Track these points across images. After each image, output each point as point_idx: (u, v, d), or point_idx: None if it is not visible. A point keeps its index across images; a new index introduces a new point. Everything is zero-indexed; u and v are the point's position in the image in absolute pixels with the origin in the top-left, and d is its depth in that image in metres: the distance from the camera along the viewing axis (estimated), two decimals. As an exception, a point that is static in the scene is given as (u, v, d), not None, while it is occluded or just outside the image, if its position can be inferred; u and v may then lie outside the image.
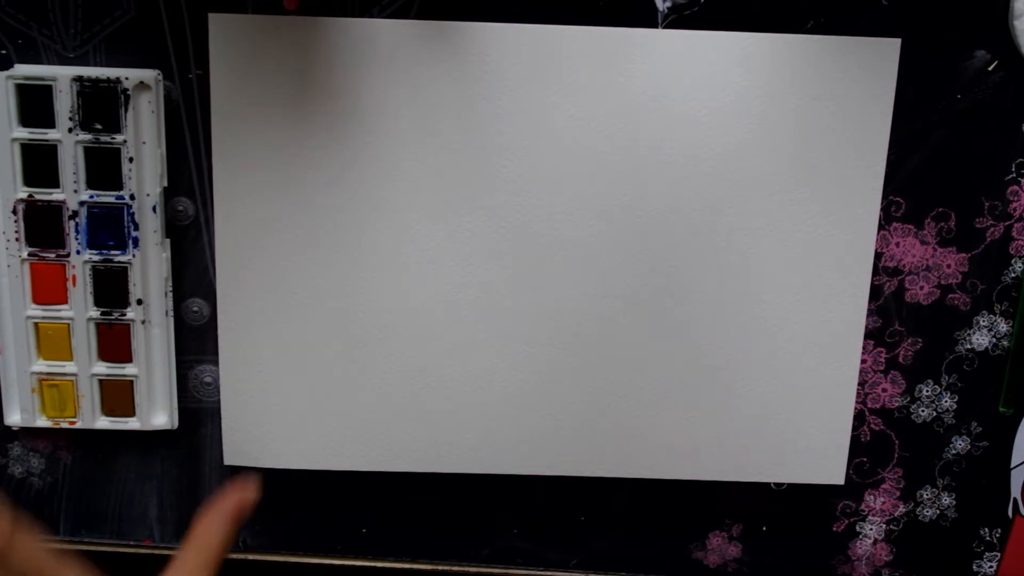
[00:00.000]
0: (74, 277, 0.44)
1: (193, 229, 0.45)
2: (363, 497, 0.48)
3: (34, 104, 0.42)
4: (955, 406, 0.47)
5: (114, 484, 0.48)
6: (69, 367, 0.45)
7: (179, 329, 0.46)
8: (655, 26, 0.43)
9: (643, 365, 0.46)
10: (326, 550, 0.49)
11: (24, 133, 0.42)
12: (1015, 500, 0.48)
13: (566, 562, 0.49)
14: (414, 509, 0.49)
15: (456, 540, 0.49)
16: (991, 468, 0.47)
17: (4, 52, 0.43)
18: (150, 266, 0.44)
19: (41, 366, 0.45)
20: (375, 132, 0.44)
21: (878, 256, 0.45)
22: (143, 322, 0.44)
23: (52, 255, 0.44)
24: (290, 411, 0.47)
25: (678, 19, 0.43)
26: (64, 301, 0.44)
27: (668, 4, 0.43)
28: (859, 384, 0.46)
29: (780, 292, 0.45)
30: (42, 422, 0.45)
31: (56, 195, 0.43)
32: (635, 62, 0.43)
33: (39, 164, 0.43)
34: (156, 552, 0.48)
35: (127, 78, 0.42)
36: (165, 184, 0.44)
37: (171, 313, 0.45)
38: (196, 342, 0.46)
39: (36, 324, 0.44)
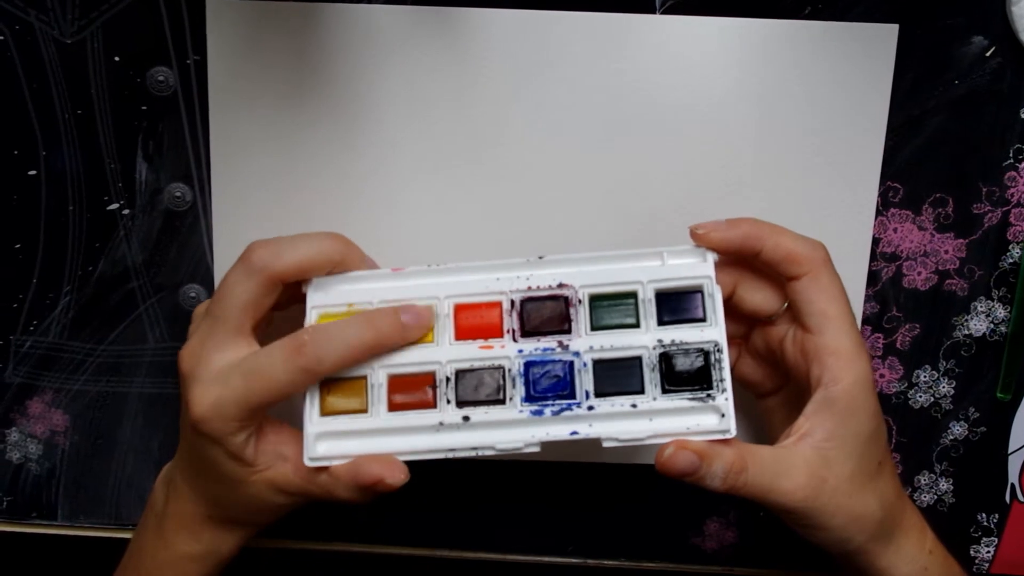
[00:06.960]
0: None
1: (191, 215, 0.45)
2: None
3: None
4: (953, 392, 0.47)
5: (112, 469, 0.48)
6: None
7: (176, 315, 0.46)
8: (653, 11, 0.43)
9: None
10: (324, 536, 0.50)
11: None
12: (1012, 485, 0.48)
13: (562, 548, 0.49)
14: (408, 494, 0.49)
15: (449, 526, 0.49)
16: (989, 454, 0.47)
17: (2, 38, 0.43)
18: None
19: None
20: (373, 117, 0.44)
21: (876, 242, 0.45)
22: None
23: None
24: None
25: (676, 4, 0.43)
26: None
27: (666, -11, 0.43)
28: (857, 370, 0.46)
29: (778, 278, 0.45)
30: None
31: None
32: (633, 48, 0.43)
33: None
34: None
35: None
36: None
37: None
38: (194, 328, 0.46)
39: None
